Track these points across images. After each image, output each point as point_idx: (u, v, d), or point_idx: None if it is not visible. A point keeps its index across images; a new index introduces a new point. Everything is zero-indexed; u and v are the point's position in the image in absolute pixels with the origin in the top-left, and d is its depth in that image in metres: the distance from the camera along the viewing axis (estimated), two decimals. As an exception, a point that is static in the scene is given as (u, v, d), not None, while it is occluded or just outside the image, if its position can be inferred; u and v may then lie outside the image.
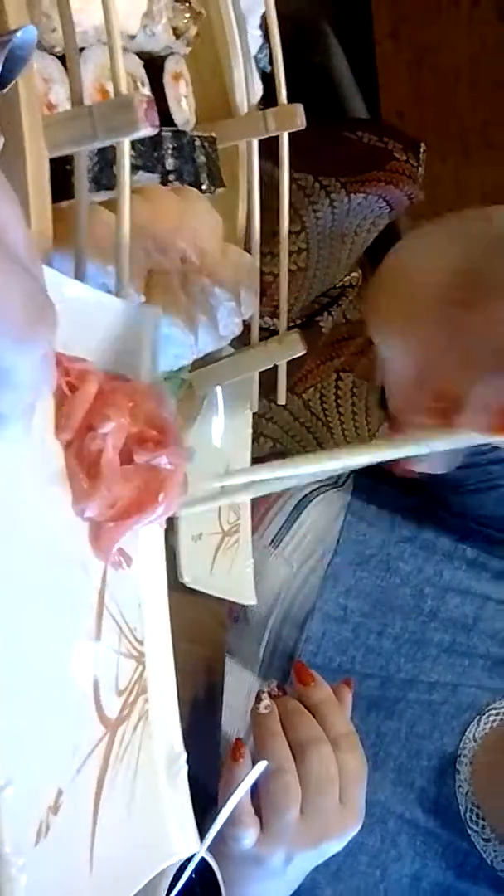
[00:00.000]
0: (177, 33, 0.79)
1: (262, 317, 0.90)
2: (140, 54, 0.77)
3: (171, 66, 0.78)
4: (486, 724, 0.99)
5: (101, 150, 0.66)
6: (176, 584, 0.86)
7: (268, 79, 0.93)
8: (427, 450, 0.63)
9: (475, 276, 0.56)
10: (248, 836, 0.81)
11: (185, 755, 0.59)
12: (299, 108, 0.84)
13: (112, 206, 0.68)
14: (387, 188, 1.39)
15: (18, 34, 0.49)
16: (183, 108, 0.79)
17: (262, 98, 0.93)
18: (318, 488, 1.20)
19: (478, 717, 1.00)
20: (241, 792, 0.78)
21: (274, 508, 1.18)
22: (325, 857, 0.86)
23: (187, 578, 0.88)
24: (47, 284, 0.37)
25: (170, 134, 0.74)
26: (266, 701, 0.86)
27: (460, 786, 0.98)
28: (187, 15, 0.80)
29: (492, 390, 0.57)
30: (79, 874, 0.49)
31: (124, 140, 0.62)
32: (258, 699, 0.87)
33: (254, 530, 1.04)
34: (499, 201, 0.60)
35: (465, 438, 0.60)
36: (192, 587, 0.89)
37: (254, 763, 0.82)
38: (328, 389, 1.46)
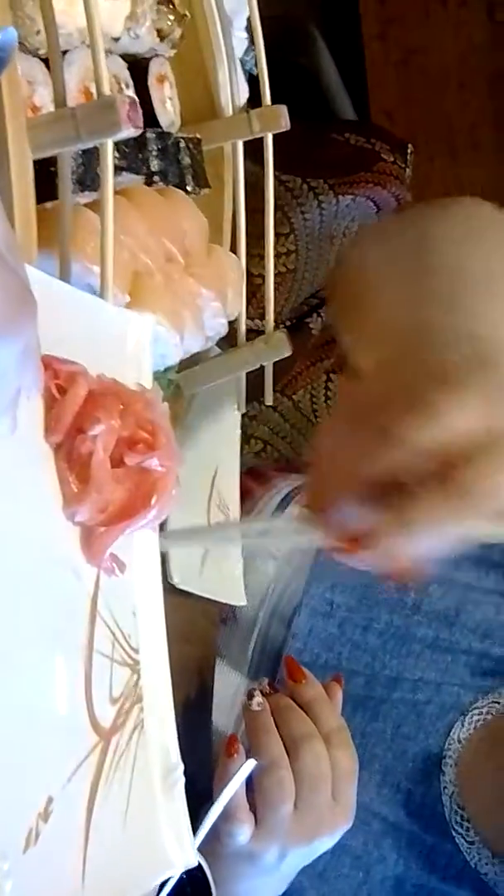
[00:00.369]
0: (161, 35, 0.79)
1: (251, 318, 0.90)
2: (124, 56, 0.77)
3: (155, 69, 0.79)
4: (469, 724, 1.00)
5: (86, 152, 0.67)
6: (168, 585, 0.86)
7: (254, 81, 0.94)
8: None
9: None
10: (243, 832, 0.82)
11: (181, 766, 0.58)
12: (283, 110, 0.84)
13: (96, 207, 0.69)
14: (374, 189, 1.40)
15: (-1, 36, 0.49)
16: (168, 109, 0.80)
17: (249, 100, 0.93)
18: (301, 484, 1.20)
19: (462, 718, 1.00)
20: (233, 788, 0.79)
21: (259, 505, 1.18)
22: (317, 854, 0.87)
23: (176, 579, 0.88)
24: (35, 286, 0.37)
25: (154, 135, 0.75)
26: (258, 698, 0.87)
27: (445, 787, 0.98)
28: (171, 17, 0.80)
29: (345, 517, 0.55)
30: (69, 883, 0.48)
31: (107, 141, 0.62)
32: (250, 696, 0.87)
33: (240, 527, 1.04)
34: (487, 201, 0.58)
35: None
36: (182, 588, 0.89)
37: (247, 759, 0.82)
38: (318, 391, 1.47)
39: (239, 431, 1.05)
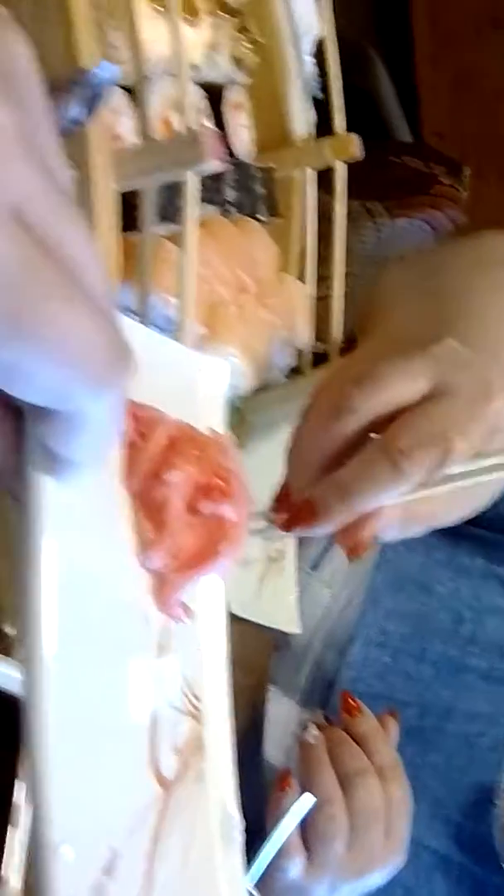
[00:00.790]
0: (237, 63, 0.79)
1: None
2: (201, 84, 0.77)
3: (231, 97, 0.79)
4: None
5: (168, 184, 0.67)
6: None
7: (318, 105, 0.93)
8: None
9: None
10: (295, 867, 0.81)
11: (239, 818, 0.58)
12: (356, 139, 0.84)
13: (175, 238, 0.69)
14: (431, 212, 1.39)
15: (101, 72, 0.49)
16: (243, 138, 0.80)
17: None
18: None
19: None
20: (290, 826, 0.78)
21: None
22: (368, 889, 0.86)
23: (233, 606, 0.88)
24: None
25: (231, 165, 0.75)
26: (313, 731, 0.86)
27: (497, 820, 0.97)
28: (248, 45, 0.80)
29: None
30: None
31: (192, 174, 0.62)
32: (305, 729, 0.87)
33: (293, 554, 1.04)
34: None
35: None
36: (238, 615, 0.89)
37: (301, 793, 0.82)
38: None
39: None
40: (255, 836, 0.78)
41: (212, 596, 0.60)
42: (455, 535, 1.13)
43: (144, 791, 0.50)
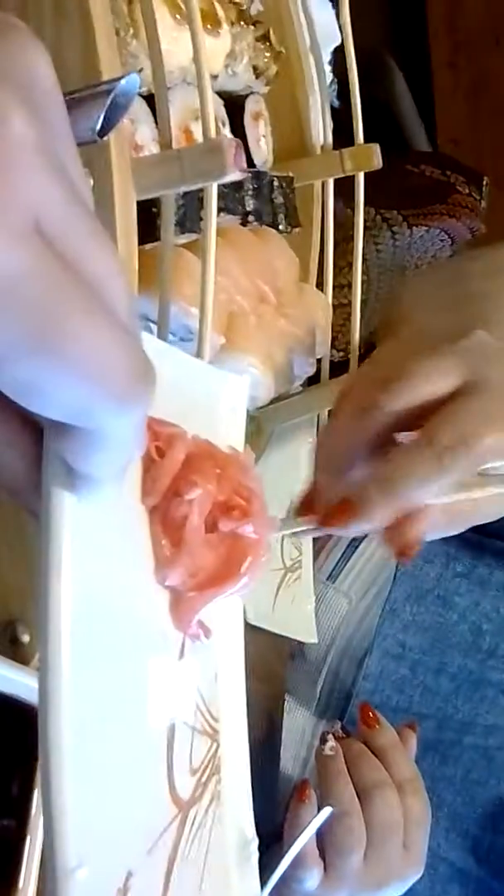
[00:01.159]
0: (257, 72, 0.79)
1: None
2: (220, 93, 0.77)
3: (251, 106, 0.78)
4: None
5: (187, 193, 0.66)
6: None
7: (335, 113, 0.93)
8: None
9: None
10: (312, 878, 0.81)
11: (256, 841, 0.57)
12: (376, 149, 0.83)
13: (194, 247, 0.68)
14: (449, 221, 1.39)
15: (122, 83, 0.49)
16: (262, 147, 0.80)
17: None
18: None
19: None
20: (307, 837, 0.78)
21: (331, 542, 1.17)
22: None
23: (250, 615, 0.87)
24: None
25: (250, 175, 0.74)
26: (331, 742, 0.86)
27: None
28: (268, 54, 0.80)
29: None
30: None
31: (212, 184, 0.62)
32: (323, 740, 0.86)
33: (311, 564, 1.03)
34: None
35: None
36: (254, 624, 0.89)
37: (319, 805, 0.81)
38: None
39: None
40: (270, 847, 0.78)
41: (229, 615, 0.59)
42: (475, 547, 1.13)
43: (161, 811, 0.50)
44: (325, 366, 0.87)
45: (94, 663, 0.45)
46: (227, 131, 0.76)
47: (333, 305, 0.91)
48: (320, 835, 0.82)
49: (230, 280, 0.70)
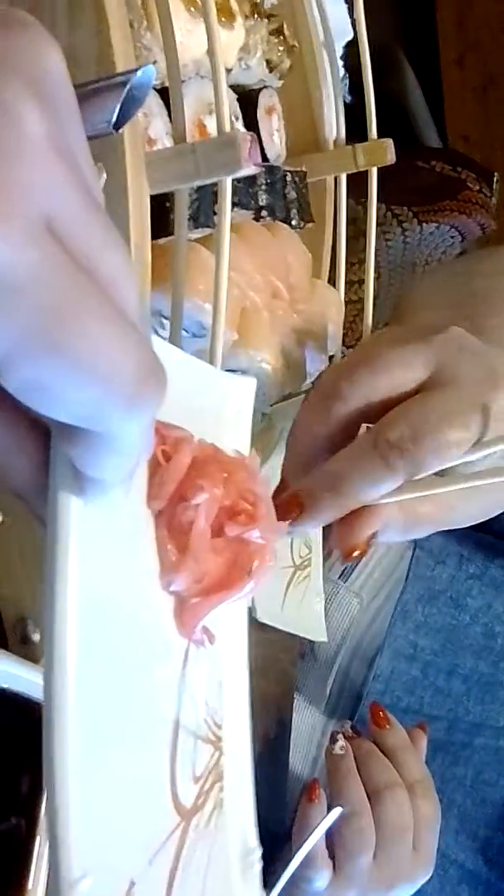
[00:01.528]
0: (271, 66, 0.78)
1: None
2: (233, 87, 0.76)
3: (264, 100, 0.78)
4: None
5: (200, 188, 0.66)
6: (249, 618, 0.85)
7: (347, 108, 0.92)
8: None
9: None
10: (322, 878, 0.81)
11: (259, 850, 0.56)
12: (390, 144, 0.83)
13: (207, 242, 0.68)
14: (459, 218, 1.38)
15: (138, 74, 0.48)
16: (275, 142, 0.79)
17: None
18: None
19: None
20: (316, 838, 0.77)
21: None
22: None
23: (259, 613, 0.87)
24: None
25: (263, 169, 0.74)
26: (341, 742, 0.85)
27: None
28: (281, 48, 0.79)
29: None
30: None
31: (227, 178, 0.61)
32: (333, 740, 0.86)
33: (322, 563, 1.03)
34: None
35: None
36: (264, 622, 0.88)
37: (328, 804, 0.81)
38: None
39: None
40: (279, 845, 0.77)
41: (234, 621, 0.58)
42: (488, 548, 1.12)
43: (164, 819, 0.49)
44: (337, 361, 0.86)
45: (98, 668, 0.44)
46: (240, 125, 0.75)
47: (347, 302, 0.90)
48: (330, 835, 0.82)
49: (243, 276, 0.70)
